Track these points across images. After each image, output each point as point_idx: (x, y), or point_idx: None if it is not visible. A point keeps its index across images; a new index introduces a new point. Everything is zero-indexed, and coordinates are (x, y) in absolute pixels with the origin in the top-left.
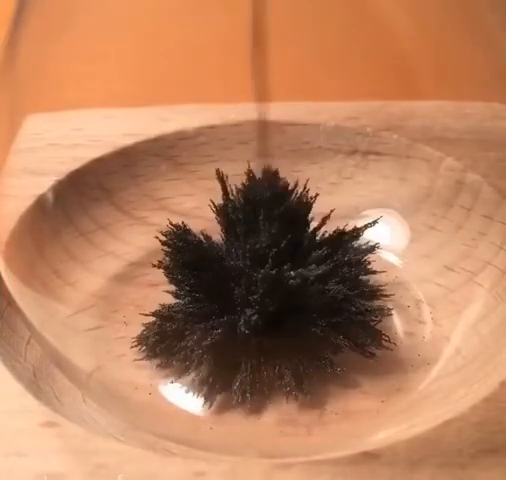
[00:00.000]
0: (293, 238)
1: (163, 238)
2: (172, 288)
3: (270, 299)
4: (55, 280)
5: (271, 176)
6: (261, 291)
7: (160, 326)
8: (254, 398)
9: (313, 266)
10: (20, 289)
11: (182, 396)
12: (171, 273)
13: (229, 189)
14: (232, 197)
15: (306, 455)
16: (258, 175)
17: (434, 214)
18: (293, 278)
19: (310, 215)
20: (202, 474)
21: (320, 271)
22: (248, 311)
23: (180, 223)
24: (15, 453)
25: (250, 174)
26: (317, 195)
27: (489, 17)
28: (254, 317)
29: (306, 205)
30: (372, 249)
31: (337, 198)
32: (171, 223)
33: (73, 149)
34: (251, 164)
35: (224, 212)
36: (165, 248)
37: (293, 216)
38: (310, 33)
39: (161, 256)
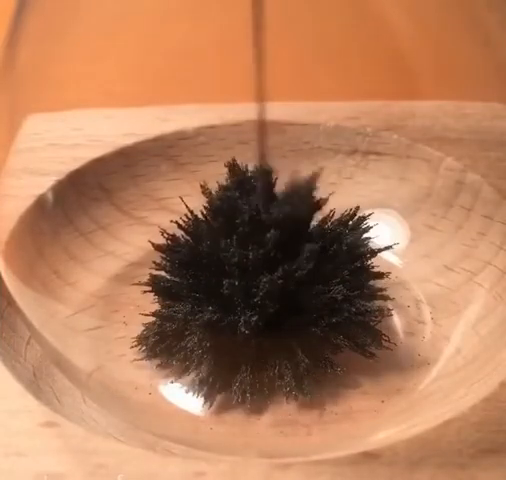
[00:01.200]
0: (293, 239)
1: (162, 240)
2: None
3: (270, 301)
4: (55, 280)
5: (271, 177)
6: (261, 294)
7: (160, 326)
8: (254, 398)
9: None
10: (20, 289)
11: (182, 396)
12: (171, 273)
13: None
14: (229, 197)
15: (306, 455)
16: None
17: (434, 214)
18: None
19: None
20: (202, 474)
21: (324, 301)
22: (248, 312)
23: (180, 222)
24: (15, 453)
25: (246, 174)
26: (320, 199)
27: (488, 17)
28: (254, 318)
29: (309, 207)
30: (373, 252)
31: (337, 198)
32: (171, 220)
33: (73, 149)
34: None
35: (222, 213)
36: (164, 247)
37: (294, 217)
38: (310, 33)
39: (160, 256)
